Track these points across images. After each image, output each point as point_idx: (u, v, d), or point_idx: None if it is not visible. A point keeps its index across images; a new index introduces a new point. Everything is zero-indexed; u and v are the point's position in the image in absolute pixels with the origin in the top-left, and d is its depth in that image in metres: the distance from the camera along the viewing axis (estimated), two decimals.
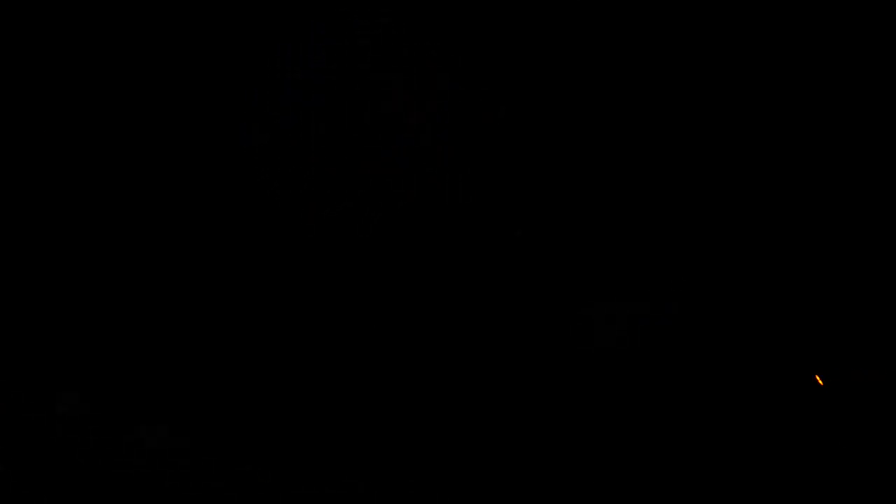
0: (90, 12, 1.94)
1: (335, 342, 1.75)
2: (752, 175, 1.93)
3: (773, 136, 1.92)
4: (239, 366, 1.79)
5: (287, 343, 1.78)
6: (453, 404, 1.63)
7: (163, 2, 1.94)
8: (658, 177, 1.89)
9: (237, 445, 1.67)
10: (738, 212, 1.92)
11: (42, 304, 1.88)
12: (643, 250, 1.85)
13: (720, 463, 1.64)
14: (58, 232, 1.93)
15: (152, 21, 1.95)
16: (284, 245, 1.86)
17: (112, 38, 1.95)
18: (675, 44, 1.89)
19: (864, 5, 1.85)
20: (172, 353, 1.82)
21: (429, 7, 1.85)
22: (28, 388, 1.75)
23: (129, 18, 1.95)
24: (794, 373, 1.84)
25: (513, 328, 1.67)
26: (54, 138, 1.95)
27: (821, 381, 1.79)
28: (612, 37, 1.89)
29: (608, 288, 1.79)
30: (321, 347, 1.76)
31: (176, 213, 1.93)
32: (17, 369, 1.77)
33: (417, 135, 1.69)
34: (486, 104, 1.81)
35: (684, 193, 1.90)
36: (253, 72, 1.94)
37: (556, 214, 1.79)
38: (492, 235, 1.69)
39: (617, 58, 1.89)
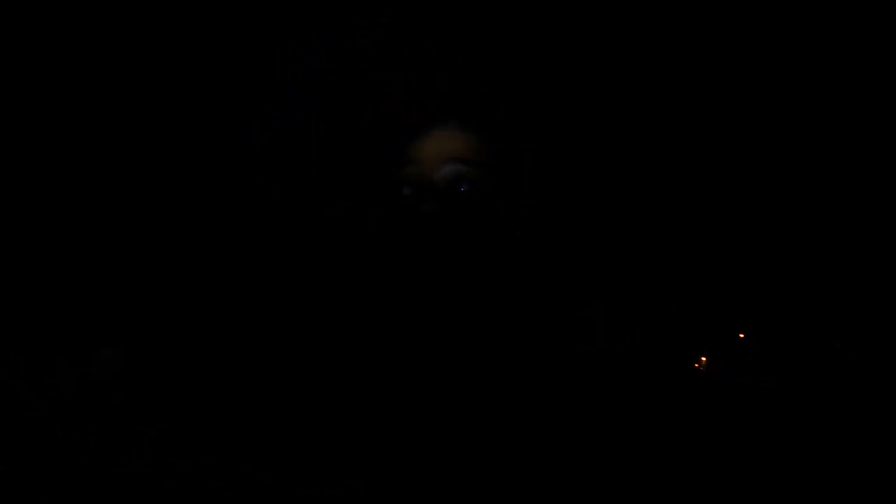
0: (89, 11, 1.94)
1: (335, 342, 1.75)
2: (751, 176, 1.93)
3: (772, 139, 1.92)
4: (238, 366, 1.79)
5: (286, 342, 1.78)
6: (453, 404, 1.62)
7: (163, 2, 1.94)
8: (658, 177, 1.89)
9: (237, 445, 1.67)
10: (737, 212, 1.92)
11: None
12: (643, 251, 1.85)
13: (720, 462, 1.64)
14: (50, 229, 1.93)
15: (152, 20, 1.95)
16: (284, 245, 1.86)
17: (111, 37, 1.95)
18: (672, 46, 1.89)
19: (864, 5, 1.85)
20: (176, 353, 1.82)
21: (429, 7, 1.85)
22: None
23: (129, 17, 1.95)
24: (794, 372, 1.84)
25: (513, 328, 1.67)
26: (52, 136, 1.95)
27: (703, 360, 1.79)
28: (610, 39, 1.89)
29: (609, 288, 1.79)
30: (321, 347, 1.76)
31: (174, 210, 1.93)
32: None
33: (417, 135, 1.69)
34: (486, 104, 1.81)
35: (684, 194, 1.90)
36: (253, 72, 1.94)
37: (557, 214, 1.79)
38: (492, 235, 1.69)
39: (616, 59, 1.89)
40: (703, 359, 1.82)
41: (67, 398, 1.71)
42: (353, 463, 1.61)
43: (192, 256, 1.91)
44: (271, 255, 1.87)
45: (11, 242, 1.90)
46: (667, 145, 1.90)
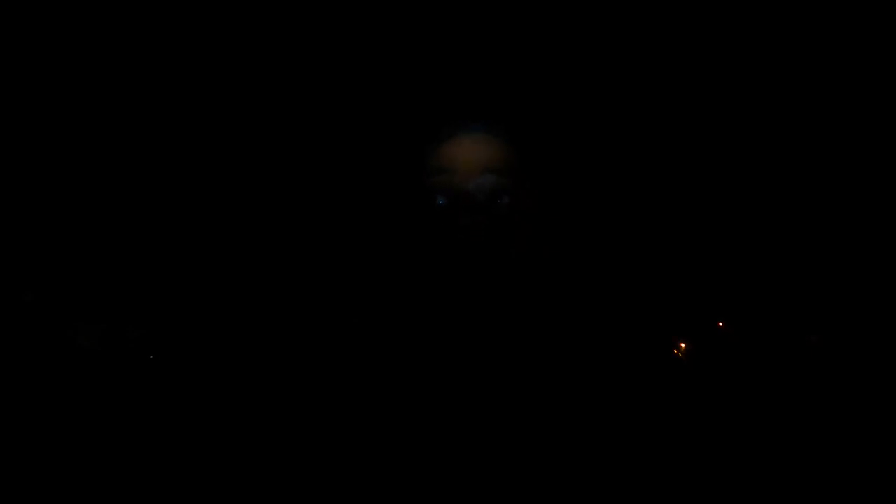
0: (89, 11, 1.94)
1: (334, 342, 1.76)
2: (748, 175, 1.94)
3: (772, 140, 1.94)
4: (237, 365, 1.79)
5: (286, 343, 1.78)
6: (453, 404, 1.62)
7: (163, 1, 1.94)
8: (658, 178, 1.90)
9: (237, 445, 1.67)
10: (737, 211, 1.93)
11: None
12: (644, 251, 1.85)
13: (718, 461, 1.65)
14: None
15: (151, 20, 1.95)
16: (283, 244, 1.86)
17: (110, 37, 1.95)
18: (674, 50, 1.90)
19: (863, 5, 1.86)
20: (177, 352, 1.82)
21: (433, 8, 1.85)
22: None
23: (128, 17, 1.95)
24: (792, 371, 1.85)
25: (513, 327, 1.67)
26: (52, 134, 1.95)
27: (682, 347, 1.79)
28: (610, 41, 1.90)
29: (608, 287, 1.79)
30: (320, 347, 1.76)
31: (173, 209, 1.93)
32: None
33: (444, 141, 1.69)
34: (489, 105, 1.81)
35: (684, 195, 1.91)
36: (253, 71, 1.95)
37: (557, 215, 1.79)
38: (491, 234, 1.70)
39: (617, 60, 1.90)
40: (683, 345, 1.82)
41: (68, 393, 1.71)
42: (353, 463, 1.61)
43: (189, 255, 1.91)
44: (270, 255, 1.87)
45: None
46: (668, 148, 1.91)
